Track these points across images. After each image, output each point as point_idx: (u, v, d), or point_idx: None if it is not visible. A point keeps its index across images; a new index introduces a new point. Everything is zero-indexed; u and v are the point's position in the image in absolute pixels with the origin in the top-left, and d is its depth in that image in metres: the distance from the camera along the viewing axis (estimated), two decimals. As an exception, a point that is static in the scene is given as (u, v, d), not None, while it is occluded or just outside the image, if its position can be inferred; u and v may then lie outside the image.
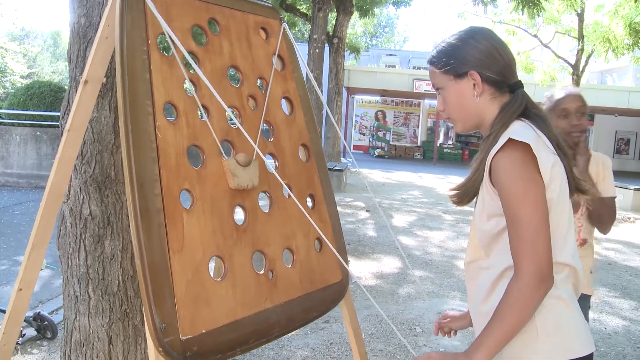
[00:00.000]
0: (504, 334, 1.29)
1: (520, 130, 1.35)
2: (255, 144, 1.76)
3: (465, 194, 1.49)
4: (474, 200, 1.51)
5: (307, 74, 2.19)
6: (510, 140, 1.32)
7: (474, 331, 1.50)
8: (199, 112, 1.69)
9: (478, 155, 1.44)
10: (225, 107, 1.60)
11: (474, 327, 1.53)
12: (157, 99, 1.57)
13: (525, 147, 1.31)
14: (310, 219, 1.65)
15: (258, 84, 1.95)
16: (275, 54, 2.04)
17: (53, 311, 4.16)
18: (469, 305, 1.57)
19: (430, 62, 1.51)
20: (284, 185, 1.74)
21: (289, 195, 1.92)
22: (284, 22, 2.10)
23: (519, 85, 1.46)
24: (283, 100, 2.05)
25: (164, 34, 1.63)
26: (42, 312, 3.67)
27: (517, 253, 1.30)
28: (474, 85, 1.44)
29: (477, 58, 1.43)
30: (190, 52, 1.69)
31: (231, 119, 1.78)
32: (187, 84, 1.70)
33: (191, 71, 1.69)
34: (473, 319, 1.52)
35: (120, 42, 1.53)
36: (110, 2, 1.66)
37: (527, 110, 1.42)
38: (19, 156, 10.52)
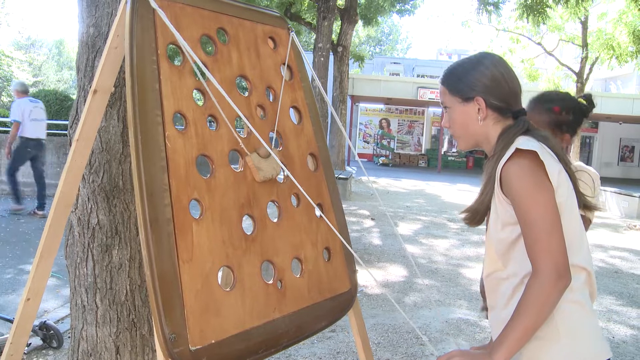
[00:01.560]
0: (524, 330, 1.32)
1: (525, 142, 1.41)
2: (271, 148, 1.76)
3: (477, 213, 1.54)
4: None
5: (312, 77, 2.20)
6: (517, 150, 1.38)
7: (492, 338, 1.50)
8: (207, 122, 1.69)
9: (484, 176, 1.50)
10: (240, 113, 1.60)
11: (492, 336, 1.54)
12: (166, 108, 1.57)
13: (533, 155, 1.37)
14: (330, 224, 1.65)
15: (266, 93, 1.95)
16: (284, 64, 2.05)
17: (59, 320, 4.15)
18: (490, 316, 1.58)
19: (441, 82, 1.59)
20: (302, 191, 1.74)
21: (298, 204, 1.91)
22: (292, 31, 2.10)
23: (523, 112, 1.53)
24: (291, 110, 2.06)
25: (173, 44, 1.64)
26: (47, 321, 3.66)
27: (534, 253, 1.34)
28: (479, 110, 1.51)
29: (483, 84, 1.50)
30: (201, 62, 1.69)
31: (239, 128, 1.79)
32: (196, 93, 1.70)
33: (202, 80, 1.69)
34: (493, 327, 1.54)
35: (130, 52, 1.53)
36: (119, 12, 1.66)
37: (529, 132, 1.48)
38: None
